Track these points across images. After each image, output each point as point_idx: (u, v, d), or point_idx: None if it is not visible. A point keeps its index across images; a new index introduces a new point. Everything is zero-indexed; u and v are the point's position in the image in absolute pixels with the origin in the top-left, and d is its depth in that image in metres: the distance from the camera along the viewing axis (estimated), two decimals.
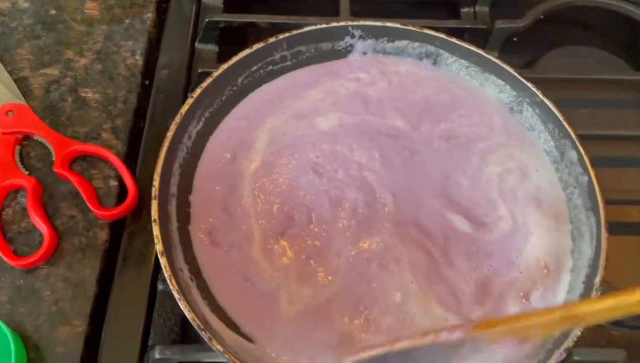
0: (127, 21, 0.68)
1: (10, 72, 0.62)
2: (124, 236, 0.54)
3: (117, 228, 0.55)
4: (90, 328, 0.50)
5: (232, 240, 0.46)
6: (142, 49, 0.66)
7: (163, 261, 0.41)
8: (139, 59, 0.65)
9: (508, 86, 0.54)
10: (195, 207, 0.48)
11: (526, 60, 0.72)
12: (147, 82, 0.65)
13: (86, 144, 0.58)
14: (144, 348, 0.48)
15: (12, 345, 0.44)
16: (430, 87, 0.55)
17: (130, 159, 0.59)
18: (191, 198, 0.48)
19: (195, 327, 0.39)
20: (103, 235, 0.54)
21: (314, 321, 0.43)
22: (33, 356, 0.47)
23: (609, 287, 0.50)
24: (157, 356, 0.45)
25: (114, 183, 0.57)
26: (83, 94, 0.62)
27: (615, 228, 0.54)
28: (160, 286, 0.51)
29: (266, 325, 0.43)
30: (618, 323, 0.54)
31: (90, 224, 0.54)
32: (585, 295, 0.43)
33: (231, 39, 0.69)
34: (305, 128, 0.53)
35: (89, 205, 0.54)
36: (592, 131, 0.58)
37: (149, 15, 0.68)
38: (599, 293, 0.42)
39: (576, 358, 0.45)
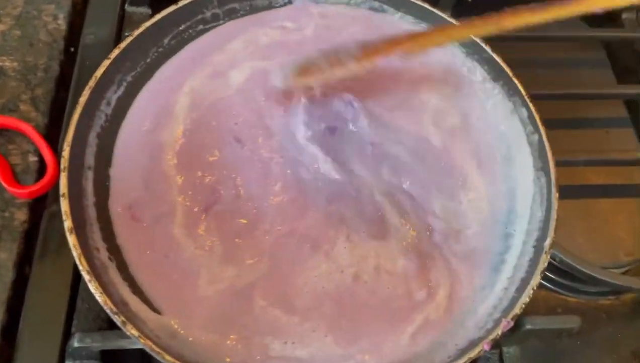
0: None
1: None
2: (44, 216, 0.49)
3: (37, 207, 0.50)
4: (8, 317, 0.45)
5: (153, 215, 0.42)
6: (65, 12, 0.60)
7: (72, 239, 0.37)
8: (61, 24, 0.60)
9: (456, 42, 0.51)
10: (115, 181, 0.43)
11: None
12: (71, 49, 0.59)
13: (2, 116, 0.53)
14: (67, 337, 0.44)
15: None
16: (359, 26, 0.51)
17: (52, 132, 0.54)
18: (111, 171, 0.44)
19: (107, 311, 0.35)
20: (21, 215, 0.49)
21: (235, 304, 0.39)
22: None
23: (561, 250, 0.48)
24: (76, 344, 0.41)
25: (33, 158, 0.52)
26: (0, 63, 0.56)
27: (568, 191, 0.52)
28: None
29: (182, 305, 0.39)
30: (574, 290, 0.53)
31: (6, 204, 0.49)
32: (535, 258, 0.40)
33: (164, 2, 0.64)
34: (222, 88, 0.48)
35: (3, 183, 0.49)
36: (547, 90, 0.56)
37: None
38: (548, 257, 0.39)
39: (528, 327, 0.42)
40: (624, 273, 0.54)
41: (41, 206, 0.50)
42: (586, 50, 0.66)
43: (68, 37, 0.59)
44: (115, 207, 0.42)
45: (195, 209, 0.43)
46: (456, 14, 0.63)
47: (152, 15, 0.60)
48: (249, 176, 0.44)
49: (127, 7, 0.62)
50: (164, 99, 0.48)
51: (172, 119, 0.46)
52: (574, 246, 0.51)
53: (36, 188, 0.49)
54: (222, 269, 0.41)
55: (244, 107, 0.48)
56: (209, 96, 0.48)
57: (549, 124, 0.46)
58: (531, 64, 0.63)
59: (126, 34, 0.56)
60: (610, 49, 0.66)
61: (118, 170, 0.44)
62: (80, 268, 0.36)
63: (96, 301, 0.46)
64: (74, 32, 0.60)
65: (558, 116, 0.58)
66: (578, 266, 0.47)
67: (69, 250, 0.47)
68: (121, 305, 0.37)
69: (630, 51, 0.65)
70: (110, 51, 0.58)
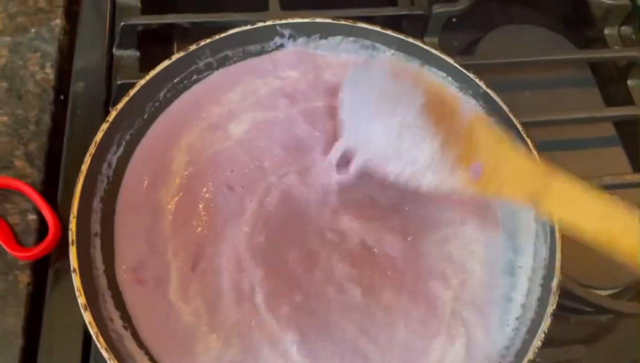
0: (33, 30, 0.61)
1: None
2: (49, 277, 0.49)
3: (40, 268, 0.50)
4: None
5: (154, 276, 0.42)
6: (52, 60, 0.59)
7: (87, 316, 0.37)
8: (49, 73, 0.59)
9: (450, 78, 0.52)
10: (119, 244, 0.43)
11: (467, 42, 0.69)
12: (61, 97, 0.59)
13: None
14: None
15: None
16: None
17: (49, 187, 0.53)
18: (114, 233, 0.43)
19: None
20: (25, 278, 0.49)
21: None
22: None
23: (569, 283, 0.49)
24: None
25: (32, 216, 0.51)
26: None
27: None
28: None
29: None
30: (575, 311, 0.54)
31: (8, 267, 0.49)
32: (543, 298, 0.42)
33: (153, 42, 0.63)
34: (221, 141, 0.48)
35: (5, 246, 0.48)
36: (535, 117, 0.57)
37: (58, 22, 0.62)
38: (556, 298, 0.40)
39: (538, 360, 0.43)
40: (617, 294, 0.55)
41: (43, 265, 0.50)
42: (571, 69, 0.67)
43: (57, 86, 0.59)
44: (122, 272, 0.42)
45: (185, 269, 0.43)
46: (441, 35, 0.65)
47: (140, 59, 0.61)
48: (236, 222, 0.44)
49: (115, 51, 0.61)
50: (160, 155, 0.47)
51: (170, 176, 0.46)
52: (571, 269, 0.52)
53: (39, 249, 0.49)
54: (209, 339, 0.41)
55: (244, 156, 0.48)
56: (206, 151, 0.48)
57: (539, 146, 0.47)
58: (517, 87, 0.64)
59: (118, 82, 0.56)
60: (594, 67, 0.67)
61: (121, 232, 0.44)
62: (99, 345, 0.36)
63: None
64: (63, 80, 0.60)
65: (545, 138, 0.60)
66: (581, 295, 0.48)
67: (79, 309, 0.48)
68: None
69: (614, 68, 0.67)
70: (101, 98, 0.58)
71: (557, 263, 0.41)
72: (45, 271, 0.49)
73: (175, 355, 0.39)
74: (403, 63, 0.52)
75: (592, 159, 0.60)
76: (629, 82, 0.64)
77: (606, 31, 0.68)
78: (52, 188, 0.53)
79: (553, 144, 0.61)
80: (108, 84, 0.59)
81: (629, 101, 0.63)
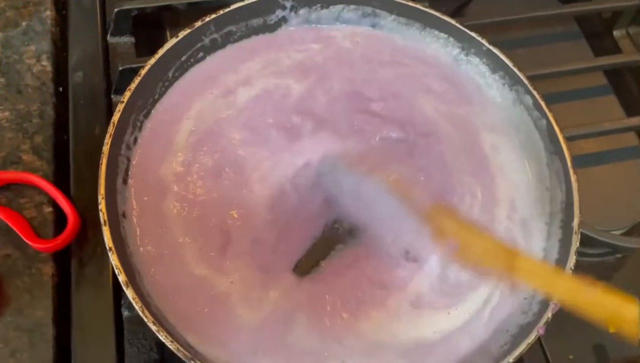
0: (23, 23, 0.60)
1: None
2: (73, 266, 0.49)
3: (62, 258, 0.50)
4: None
5: (172, 251, 0.43)
6: (47, 52, 0.58)
7: (130, 293, 0.37)
8: (46, 65, 0.58)
9: (451, 38, 0.53)
10: (138, 222, 0.43)
11: (455, 6, 0.70)
12: (60, 89, 0.58)
13: (6, 171, 0.51)
14: None
15: None
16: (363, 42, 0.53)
17: (60, 178, 0.53)
18: (134, 212, 0.43)
19: (183, 358, 0.36)
20: (48, 269, 0.48)
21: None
22: None
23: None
24: None
25: (48, 209, 0.51)
26: None
27: None
28: (126, 313, 0.47)
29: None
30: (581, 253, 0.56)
31: (31, 261, 0.48)
32: (565, 239, 0.43)
33: (147, 27, 0.63)
34: (227, 106, 0.48)
35: (25, 239, 0.48)
36: (535, 71, 0.58)
37: (48, 13, 0.61)
38: (578, 236, 0.42)
39: None
40: (625, 233, 0.57)
41: (65, 255, 0.50)
42: (559, 25, 0.69)
43: (55, 78, 0.58)
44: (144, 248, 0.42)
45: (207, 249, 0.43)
46: (433, 3, 0.66)
47: (135, 44, 0.61)
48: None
49: (110, 38, 0.61)
50: (168, 128, 0.47)
51: (175, 148, 0.46)
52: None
53: (60, 240, 0.48)
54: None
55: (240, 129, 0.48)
56: (210, 117, 0.48)
57: None
58: (510, 45, 0.66)
59: (120, 68, 0.55)
60: (580, 21, 0.69)
61: (137, 211, 0.44)
62: (146, 320, 0.37)
63: (144, 342, 0.47)
64: (60, 71, 0.59)
65: (543, 91, 0.62)
66: (596, 236, 0.50)
67: (106, 295, 0.48)
68: (188, 347, 0.38)
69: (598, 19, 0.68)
70: (101, 86, 0.57)
71: (576, 203, 0.43)
72: (68, 261, 0.49)
73: (217, 324, 0.40)
74: None
75: (587, 108, 0.62)
76: (615, 32, 0.66)
77: (615, 33, 0.69)
78: (64, 179, 0.53)
79: (551, 97, 0.62)
80: (106, 72, 0.59)
81: (616, 50, 0.65)
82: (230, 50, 0.51)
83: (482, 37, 0.51)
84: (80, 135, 0.55)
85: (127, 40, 0.61)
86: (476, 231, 0.41)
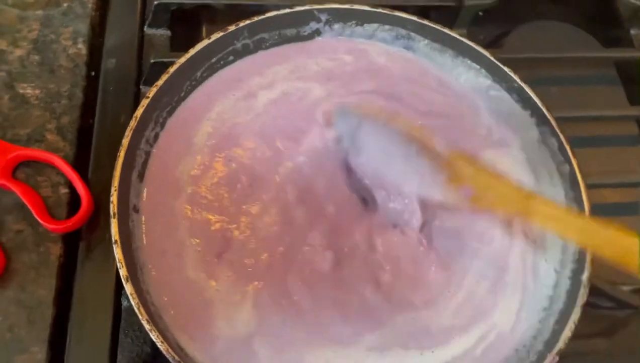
0: (65, 4, 0.61)
1: None
2: (81, 250, 0.50)
3: (72, 240, 0.50)
4: (51, 354, 0.46)
5: (176, 252, 0.43)
6: (84, 36, 0.59)
7: (129, 288, 0.37)
8: (82, 48, 0.59)
9: (483, 70, 0.52)
10: (147, 218, 0.43)
11: (493, 36, 0.69)
12: (92, 73, 0.59)
13: (29, 148, 0.52)
14: None
15: None
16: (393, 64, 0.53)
17: (80, 161, 0.54)
18: (143, 207, 0.44)
19: (171, 360, 0.36)
20: (57, 250, 0.49)
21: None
22: None
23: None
24: None
25: (64, 190, 0.52)
26: (21, 91, 0.55)
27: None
28: (125, 303, 0.47)
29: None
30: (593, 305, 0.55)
31: (41, 239, 0.49)
32: (573, 291, 0.42)
33: (184, 22, 0.64)
34: (247, 110, 0.48)
35: (38, 218, 0.49)
36: (565, 113, 0.57)
37: None
38: (587, 290, 0.41)
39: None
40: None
41: (75, 238, 0.51)
42: (597, 68, 0.67)
43: (89, 62, 0.59)
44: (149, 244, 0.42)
45: (201, 250, 0.43)
46: (470, 31, 0.66)
47: (171, 37, 0.62)
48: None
49: (147, 29, 0.62)
50: (188, 128, 0.48)
51: (193, 150, 0.46)
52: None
53: (71, 222, 0.49)
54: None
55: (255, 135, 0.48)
56: (230, 120, 0.48)
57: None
58: (543, 83, 0.65)
59: (151, 61, 0.56)
60: (620, 66, 0.67)
61: (149, 208, 0.44)
62: (140, 317, 0.37)
63: (138, 334, 0.47)
64: (94, 56, 0.60)
65: (571, 134, 0.61)
66: (606, 290, 0.49)
67: (109, 282, 0.48)
68: (178, 350, 0.38)
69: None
70: (132, 76, 0.58)
71: (589, 256, 0.42)
72: (76, 244, 0.50)
73: (199, 328, 0.40)
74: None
75: (616, 156, 0.61)
76: None
77: (632, 32, 0.69)
78: (83, 162, 0.54)
79: (579, 141, 0.61)
80: (139, 62, 0.60)
81: None
82: (262, 55, 0.51)
83: (515, 73, 0.50)
84: (106, 121, 0.55)
85: (164, 33, 0.62)
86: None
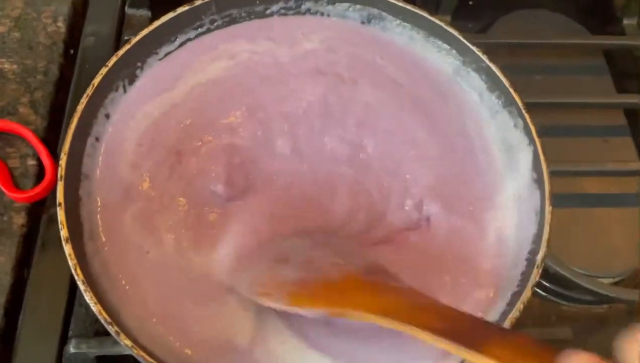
0: None
1: None
2: (43, 220, 0.50)
3: (35, 211, 0.51)
4: (6, 321, 0.46)
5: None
6: (65, 14, 0.60)
7: (67, 248, 0.37)
8: (61, 26, 0.60)
9: (453, 50, 0.51)
10: (97, 184, 0.43)
11: (482, 24, 0.68)
12: (71, 51, 0.60)
13: (1, 120, 0.53)
14: (64, 342, 0.45)
15: None
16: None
17: (51, 136, 0.54)
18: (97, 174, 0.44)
19: (102, 321, 0.36)
20: (19, 219, 0.50)
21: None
22: None
23: (553, 259, 0.49)
24: (72, 350, 0.41)
25: (32, 162, 0.52)
26: None
27: (563, 199, 0.53)
28: None
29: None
30: (568, 298, 0.53)
31: (4, 208, 0.50)
32: (527, 272, 0.41)
33: (165, 3, 0.64)
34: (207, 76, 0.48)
35: (2, 187, 0.49)
36: (543, 98, 0.56)
37: None
38: (539, 271, 0.40)
39: None
40: (617, 283, 0.54)
41: (39, 210, 0.51)
42: (585, 56, 0.65)
43: (68, 40, 0.60)
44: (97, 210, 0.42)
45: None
46: (458, 17, 0.64)
47: (151, 19, 0.62)
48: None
49: (127, 9, 0.62)
50: (144, 102, 0.47)
51: (136, 126, 0.46)
52: (568, 255, 0.51)
53: (34, 192, 0.50)
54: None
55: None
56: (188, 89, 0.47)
57: (546, 131, 0.46)
58: (528, 71, 0.63)
59: (125, 38, 0.56)
60: (609, 55, 0.65)
61: (100, 176, 0.44)
62: (76, 278, 0.37)
63: None
64: (74, 35, 0.61)
65: (555, 123, 0.59)
66: (569, 276, 0.47)
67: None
68: (115, 315, 0.38)
69: (630, 58, 0.65)
70: (110, 54, 0.58)
71: (545, 236, 0.40)
72: (39, 215, 0.51)
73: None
74: None
75: (600, 146, 0.59)
76: None
77: (625, 21, 0.67)
78: (53, 137, 0.54)
79: (561, 129, 0.60)
80: (117, 41, 0.60)
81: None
82: (233, 28, 0.51)
83: (484, 54, 0.49)
84: (79, 97, 0.55)
85: (144, 13, 0.63)
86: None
